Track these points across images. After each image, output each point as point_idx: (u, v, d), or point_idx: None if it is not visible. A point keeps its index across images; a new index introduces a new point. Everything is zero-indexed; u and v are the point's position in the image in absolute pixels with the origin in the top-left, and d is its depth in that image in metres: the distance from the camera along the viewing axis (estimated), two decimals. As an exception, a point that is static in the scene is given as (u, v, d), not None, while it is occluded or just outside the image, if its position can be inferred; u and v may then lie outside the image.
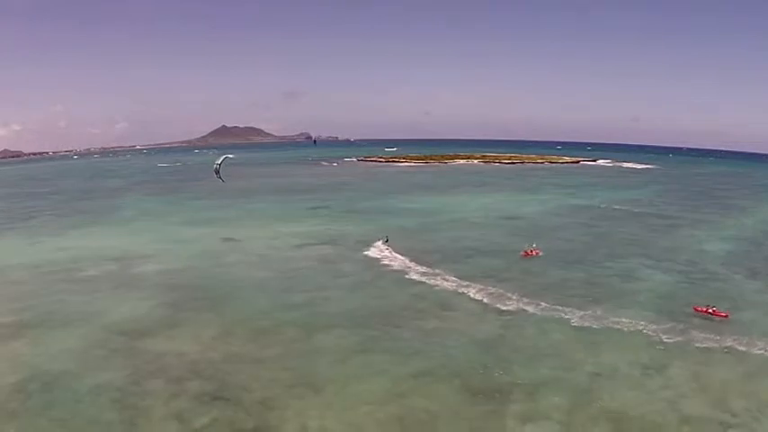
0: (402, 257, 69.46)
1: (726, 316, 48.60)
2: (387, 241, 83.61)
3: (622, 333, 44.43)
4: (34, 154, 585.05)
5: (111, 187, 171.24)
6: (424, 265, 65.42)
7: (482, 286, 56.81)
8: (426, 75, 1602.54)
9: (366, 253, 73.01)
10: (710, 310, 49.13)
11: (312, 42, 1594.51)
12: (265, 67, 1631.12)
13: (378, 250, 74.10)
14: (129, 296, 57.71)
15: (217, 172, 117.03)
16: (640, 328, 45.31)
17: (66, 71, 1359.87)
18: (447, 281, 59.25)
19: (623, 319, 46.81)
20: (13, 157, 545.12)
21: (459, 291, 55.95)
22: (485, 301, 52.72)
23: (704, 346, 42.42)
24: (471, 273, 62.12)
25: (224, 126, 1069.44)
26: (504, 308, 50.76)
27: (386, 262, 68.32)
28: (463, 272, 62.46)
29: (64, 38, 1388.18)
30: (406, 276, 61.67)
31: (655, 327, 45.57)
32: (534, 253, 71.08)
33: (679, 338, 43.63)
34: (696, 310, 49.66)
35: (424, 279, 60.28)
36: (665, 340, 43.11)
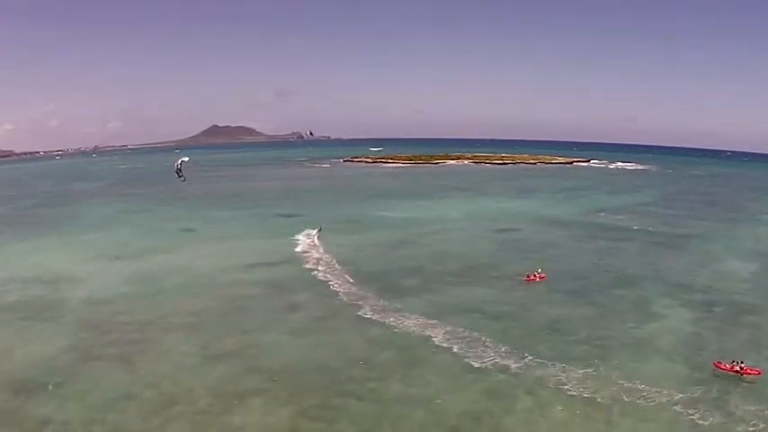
0: (367, 285, 57.92)
1: (758, 373, 37.77)
2: (320, 230, 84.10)
3: (641, 407, 33.10)
4: (25, 153, 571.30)
5: (82, 191, 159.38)
6: (393, 297, 53.92)
7: (462, 329, 45.17)
8: (420, 73, 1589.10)
9: (323, 278, 61.52)
10: (738, 368, 38.13)
11: (304, 42, 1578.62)
12: (257, 67, 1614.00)
13: (327, 272, 63.13)
14: (40, 334, 47.81)
15: (178, 172, 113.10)
16: (663, 398, 33.98)
17: (59, 70, 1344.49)
18: (418, 320, 47.58)
19: (640, 385, 35.42)
20: (3, 156, 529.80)
21: (433, 336, 44.27)
22: (464, 352, 41.05)
23: (751, 426, 31.48)
24: (450, 308, 50.83)
25: (215, 125, 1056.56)
26: (489, 364, 39.21)
27: (345, 289, 56.77)
28: (440, 306, 51.20)
29: (57, 37, 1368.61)
30: (368, 313, 49.97)
31: (681, 396, 34.36)
32: (538, 278, 60.02)
33: (715, 415, 32.45)
34: (718, 367, 38.53)
35: (389, 318, 48.58)
36: (698, 420, 31.91)
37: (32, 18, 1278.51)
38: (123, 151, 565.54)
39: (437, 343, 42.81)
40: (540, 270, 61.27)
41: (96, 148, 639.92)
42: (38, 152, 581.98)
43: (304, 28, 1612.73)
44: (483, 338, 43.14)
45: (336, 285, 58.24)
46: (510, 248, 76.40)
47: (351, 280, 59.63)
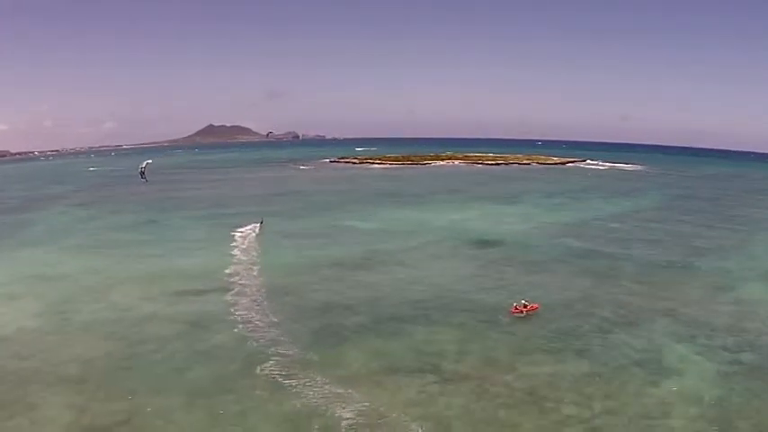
0: (295, 325, 45.92)
1: None
2: (262, 223, 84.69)
3: None
4: (20, 154, 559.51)
5: (50, 195, 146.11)
6: (322, 345, 41.87)
7: (411, 400, 33.41)
8: (415, 73, 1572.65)
9: (243, 315, 49.09)
10: None
11: (300, 41, 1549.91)
12: (254, 66, 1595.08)
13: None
14: None
15: (142, 174, 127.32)
16: None
17: (55, 70, 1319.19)
18: (354, 385, 35.34)
19: None
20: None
21: (345, 416, 31.78)
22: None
23: None
24: (397, 362, 38.87)
25: (210, 125, 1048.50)
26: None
27: (263, 333, 44.47)
28: (384, 360, 39.28)
29: (52, 37, 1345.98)
30: (275, 371, 37.64)
31: None
32: (528, 309, 48.62)
33: None
34: None
35: (318, 381, 36.24)
36: None
37: (27, 18, 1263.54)
38: (116, 151, 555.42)
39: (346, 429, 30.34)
40: (524, 301, 49.62)
41: (91, 148, 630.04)
42: (32, 152, 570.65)
43: (300, 27, 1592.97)
44: (424, 422, 30.85)
45: (256, 326, 45.92)
46: (493, 270, 63.96)
47: (275, 319, 47.05)
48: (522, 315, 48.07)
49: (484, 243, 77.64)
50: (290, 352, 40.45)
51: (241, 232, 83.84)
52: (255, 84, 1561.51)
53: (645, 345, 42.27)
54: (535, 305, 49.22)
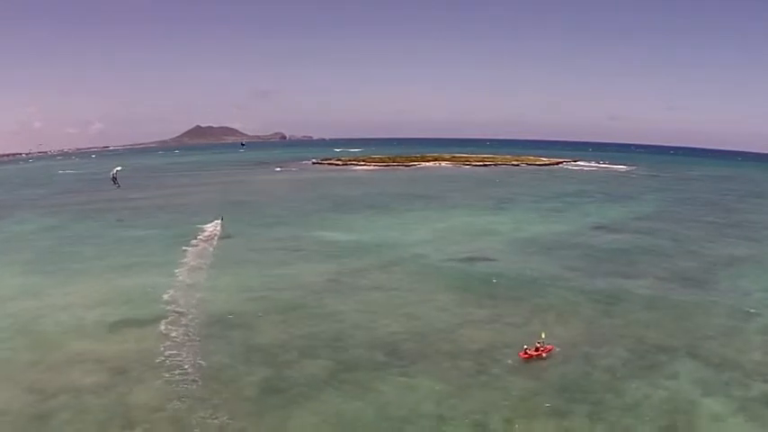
0: (237, 374, 37.11)
1: None
2: (222, 220, 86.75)
3: None
4: (7, 155, 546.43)
5: (18, 200, 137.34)
6: (277, 406, 33.02)
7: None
8: (407, 73, 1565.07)
9: (174, 358, 39.87)
10: None
11: (288, 41, 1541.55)
12: (241, 67, 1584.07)
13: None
14: None
15: (113, 180, 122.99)
16: None
17: (42, 72, 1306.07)
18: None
19: None
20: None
21: None
22: None
23: None
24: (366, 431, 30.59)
25: (198, 126, 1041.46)
26: None
27: (192, 388, 35.24)
28: (353, 429, 30.77)
29: (38, 38, 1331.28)
30: None
31: None
32: (541, 352, 40.08)
33: None
34: None
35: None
36: None
37: (20, 19, 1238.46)
38: (101, 152, 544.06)
39: None
40: (542, 337, 41.05)
41: (78, 149, 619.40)
42: (21, 153, 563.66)
43: (289, 27, 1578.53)
44: None
45: (187, 376, 37.01)
46: (482, 296, 54.06)
47: (211, 365, 38.07)
48: (533, 358, 39.60)
49: (471, 260, 68.82)
50: (221, 418, 31.45)
51: (197, 245, 75.37)
52: (244, 85, 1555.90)
53: (670, 400, 33.87)
54: (549, 346, 40.58)
